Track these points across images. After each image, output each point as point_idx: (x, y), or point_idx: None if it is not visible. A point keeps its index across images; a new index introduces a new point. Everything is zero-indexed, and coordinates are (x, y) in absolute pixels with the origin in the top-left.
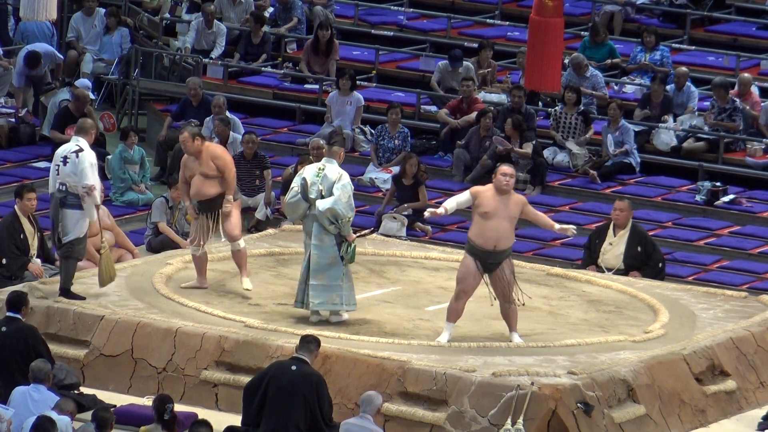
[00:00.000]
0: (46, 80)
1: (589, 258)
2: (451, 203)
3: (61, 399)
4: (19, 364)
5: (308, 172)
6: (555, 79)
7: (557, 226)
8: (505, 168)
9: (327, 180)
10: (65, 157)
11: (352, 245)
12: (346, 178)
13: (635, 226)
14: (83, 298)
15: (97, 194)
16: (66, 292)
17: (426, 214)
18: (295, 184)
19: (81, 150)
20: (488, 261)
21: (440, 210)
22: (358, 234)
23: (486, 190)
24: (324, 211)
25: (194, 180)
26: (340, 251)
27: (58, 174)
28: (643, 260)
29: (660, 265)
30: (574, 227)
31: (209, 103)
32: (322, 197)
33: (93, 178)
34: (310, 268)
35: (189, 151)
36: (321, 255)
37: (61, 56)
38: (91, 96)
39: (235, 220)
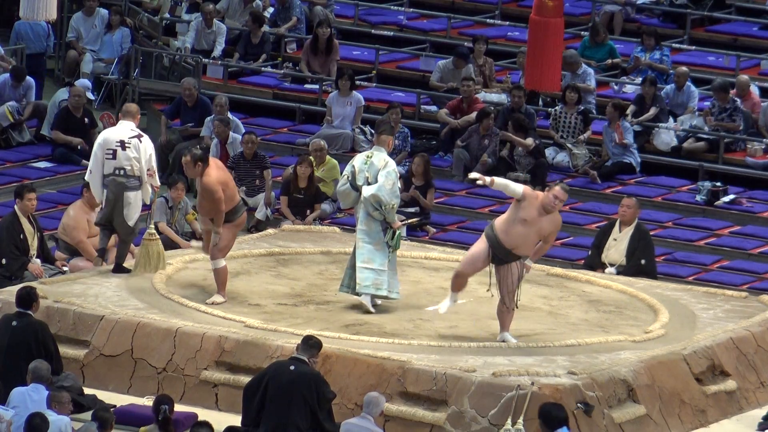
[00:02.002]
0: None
1: (596, 256)
2: (502, 181)
3: (52, 392)
4: (28, 359)
5: (357, 160)
6: (555, 79)
7: (530, 263)
8: (559, 191)
9: (373, 167)
10: (123, 142)
11: (397, 232)
12: (391, 165)
13: (640, 224)
14: (129, 271)
15: (156, 176)
16: (119, 267)
17: (473, 175)
18: (346, 172)
19: (141, 135)
20: (499, 255)
21: (488, 179)
22: (403, 221)
23: (535, 198)
24: (368, 197)
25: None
26: (385, 237)
27: (113, 158)
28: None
29: (642, 261)
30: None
31: (204, 104)
32: (369, 184)
33: (154, 161)
34: (356, 252)
35: (189, 175)
36: (367, 240)
37: (35, 100)
38: (91, 96)
39: (221, 239)
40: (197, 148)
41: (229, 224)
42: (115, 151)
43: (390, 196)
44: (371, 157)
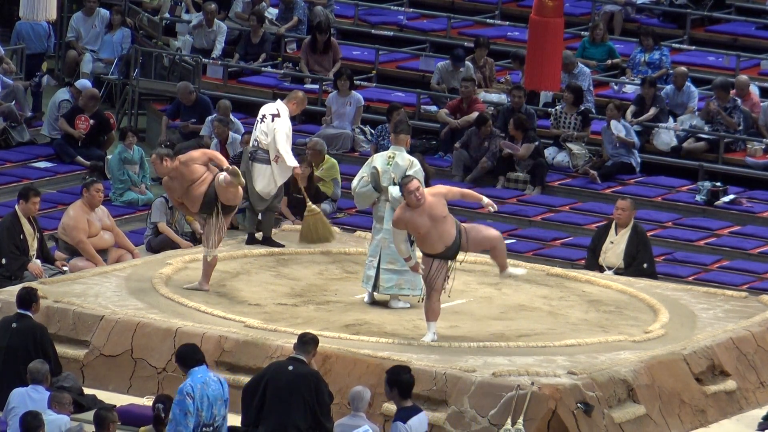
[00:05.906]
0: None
1: (593, 258)
2: (406, 248)
3: (54, 393)
4: (26, 361)
5: (378, 161)
6: (555, 78)
7: (485, 199)
8: (409, 185)
9: (398, 167)
10: (264, 116)
11: None
12: (417, 164)
13: (637, 225)
14: (283, 245)
15: (287, 159)
16: (268, 240)
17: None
18: (365, 173)
19: (278, 116)
20: (448, 255)
21: (413, 263)
22: None
23: (405, 214)
24: (399, 198)
25: (184, 196)
26: (410, 236)
27: (255, 129)
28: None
29: (644, 265)
30: (494, 207)
31: (204, 103)
32: (395, 184)
33: (283, 147)
34: (382, 252)
35: (161, 173)
36: (392, 240)
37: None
38: None
39: (216, 233)
40: (160, 146)
41: (226, 217)
42: (257, 122)
43: None
44: (393, 157)
